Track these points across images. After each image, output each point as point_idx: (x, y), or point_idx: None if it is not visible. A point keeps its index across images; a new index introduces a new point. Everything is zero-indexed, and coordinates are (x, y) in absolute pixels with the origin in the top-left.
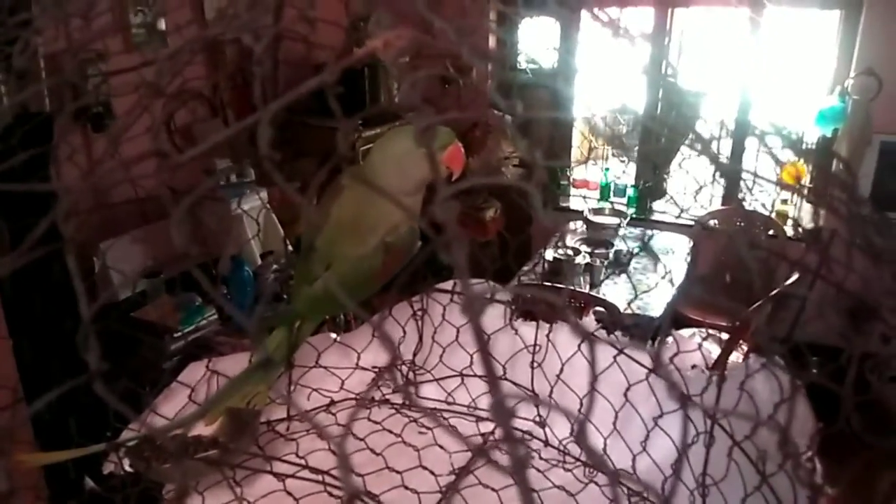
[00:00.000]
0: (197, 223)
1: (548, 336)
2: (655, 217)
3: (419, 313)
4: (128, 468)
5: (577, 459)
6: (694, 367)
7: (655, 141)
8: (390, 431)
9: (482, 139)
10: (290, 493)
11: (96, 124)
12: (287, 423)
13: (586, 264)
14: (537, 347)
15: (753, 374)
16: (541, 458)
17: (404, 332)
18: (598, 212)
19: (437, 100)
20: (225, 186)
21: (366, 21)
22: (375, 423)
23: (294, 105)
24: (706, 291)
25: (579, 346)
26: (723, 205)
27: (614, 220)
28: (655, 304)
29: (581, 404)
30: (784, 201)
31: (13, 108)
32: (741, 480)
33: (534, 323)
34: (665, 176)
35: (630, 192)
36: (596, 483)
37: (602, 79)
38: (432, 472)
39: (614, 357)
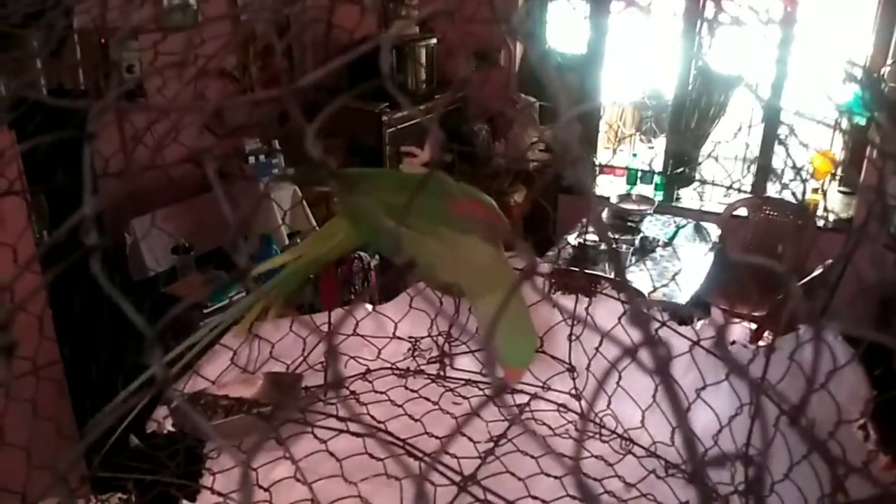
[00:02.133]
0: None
1: (587, 309)
2: (683, 204)
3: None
4: (170, 427)
5: (613, 432)
6: (734, 343)
7: (685, 127)
8: (427, 399)
9: (509, 123)
10: (332, 454)
11: (129, 102)
12: (325, 390)
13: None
14: (576, 321)
15: (803, 345)
16: (576, 429)
17: (441, 302)
18: (624, 198)
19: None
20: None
21: (396, 4)
22: (412, 391)
23: (322, 85)
24: (735, 280)
25: (619, 318)
26: (752, 192)
27: (641, 207)
28: (682, 291)
29: (619, 377)
30: (815, 190)
31: (48, 83)
32: (787, 452)
33: (572, 296)
34: (694, 162)
35: (658, 178)
36: (633, 454)
37: (632, 62)
38: (470, 439)
39: (656, 330)
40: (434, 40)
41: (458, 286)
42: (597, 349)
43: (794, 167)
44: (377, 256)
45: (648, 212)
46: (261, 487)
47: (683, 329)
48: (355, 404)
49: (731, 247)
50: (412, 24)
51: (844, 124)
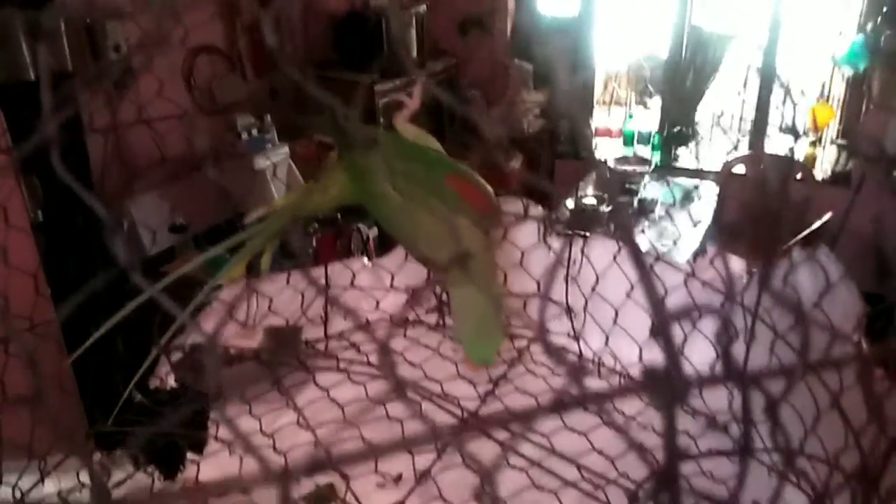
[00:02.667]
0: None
1: (582, 250)
2: (680, 164)
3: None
4: (173, 384)
5: (612, 370)
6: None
7: (680, 86)
8: (427, 346)
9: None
10: (334, 401)
11: (117, 83)
12: (325, 342)
13: (610, 212)
14: (572, 262)
15: (797, 268)
16: (574, 367)
17: None
18: (622, 160)
19: (458, 50)
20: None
21: None
22: (411, 339)
23: (313, 57)
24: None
25: (615, 256)
26: (749, 150)
27: (639, 168)
28: (681, 252)
29: (616, 315)
30: (812, 143)
31: (34, 67)
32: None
33: (567, 238)
34: (690, 122)
35: (654, 139)
36: (630, 388)
37: (625, 24)
38: (471, 382)
39: (650, 265)
40: (424, 7)
41: (438, 263)
42: (593, 289)
43: (791, 125)
44: (376, 228)
45: (646, 173)
46: (265, 434)
47: (676, 266)
48: (354, 355)
49: (729, 205)
50: None
51: (841, 76)
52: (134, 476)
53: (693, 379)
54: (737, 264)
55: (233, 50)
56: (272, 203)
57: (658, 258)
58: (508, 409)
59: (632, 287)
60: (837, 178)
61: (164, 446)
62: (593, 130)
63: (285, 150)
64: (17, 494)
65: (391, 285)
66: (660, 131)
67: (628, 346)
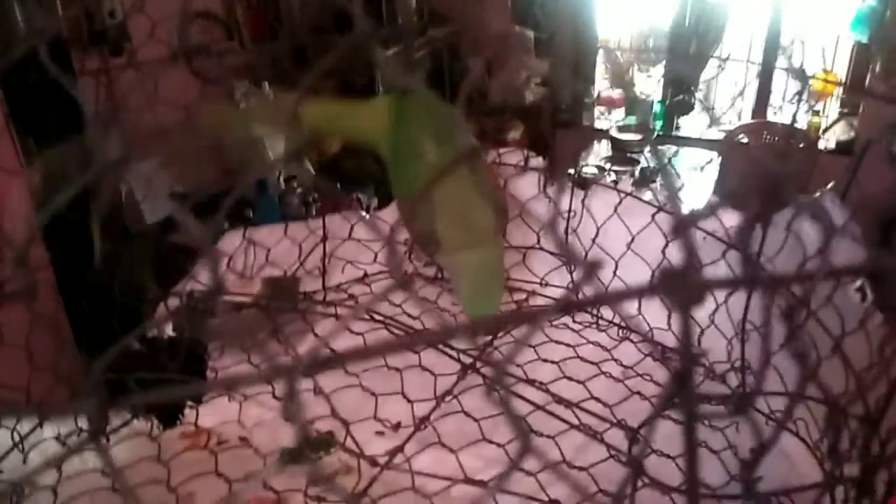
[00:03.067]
0: (220, 149)
1: (583, 202)
2: (683, 133)
3: None
4: (170, 332)
5: (610, 321)
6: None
7: (683, 54)
8: (426, 299)
9: (505, 58)
10: (332, 350)
11: (113, 48)
12: (324, 294)
13: (612, 181)
14: (572, 213)
15: (800, 214)
16: (574, 321)
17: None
18: (624, 129)
19: (458, 17)
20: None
21: None
22: (409, 292)
23: (312, 22)
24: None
25: (615, 208)
26: (753, 118)
27: (640, 137)
28: None
29: (616, 266)
30: (816, 112)
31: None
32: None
33: (569, 189)
34: (693, 90)
35: (657, 107)
36: (631, 340)
37: None
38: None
39: (652, 215)
40: None
41: (433, 235)
42: (593, 240)
43: (797, 94)
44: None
45: (648, 141)
46: (266, 382)
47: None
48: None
49: (731, 174)
50: None
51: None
52: (131, 423)
53: (711, 281)
54: (736, 217)
55: (230, 17)
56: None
57: (661, 208)
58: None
59: (632, 239)
60: (841, 148)
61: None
62: (595, 99)
63: None
64: (16, 438)
65: (390, 237)
66: (662, 100)
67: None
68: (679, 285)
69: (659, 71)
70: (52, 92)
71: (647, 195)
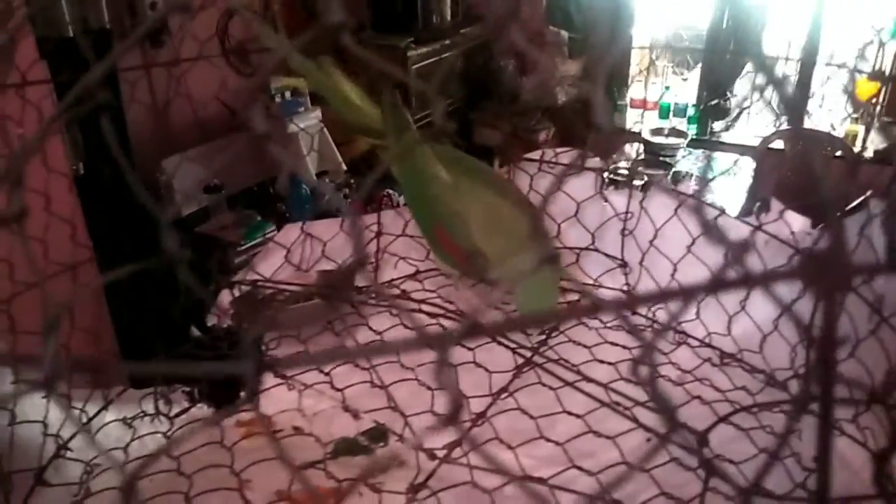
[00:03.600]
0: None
1: (641, 203)
2: (718, 138)
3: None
4: (229, 321)
5: (666, 325)
6: (793, 233)
7: (720, 58)
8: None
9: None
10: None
11: (154, 40)
12: (376, 287)
13: (644, 184)
14: (629, 215)
15: (873, 219)
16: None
17: None
18: (657, 132)
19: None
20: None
21: None
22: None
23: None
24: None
25: (676, 210)
26: (789, 125)
27: (674, 141)
28: None
29: (675, 270)
30: (854, 120)
31: (73, 22)
32: (853, 329)
33: (625, 191)
34: (729, 95)
35: (691, 111)
36: (688, 345)
37: None
38: (524, 331)
39: (714, 218)
40: None
41: (478, 254)
42: (651, 243)
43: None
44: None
45: (682, 146)
46: (321, 372)
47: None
48: (407, 302)
49: (766, 181)
50: None
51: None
52: (189, 411)
53: (859, 266)
54: (800, 220)
55: (267, 12)
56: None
57: (722, 212)
58: (562, 358)
59: (692, 242)
60: (879, 157)
61: (219, 382)
62: (628, 102)
63: (318, 113)
64: (84, 419)
65: None
66: (697, 104)
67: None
68: (824, 270)
69: (694, 74)
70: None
71: (710, 198)
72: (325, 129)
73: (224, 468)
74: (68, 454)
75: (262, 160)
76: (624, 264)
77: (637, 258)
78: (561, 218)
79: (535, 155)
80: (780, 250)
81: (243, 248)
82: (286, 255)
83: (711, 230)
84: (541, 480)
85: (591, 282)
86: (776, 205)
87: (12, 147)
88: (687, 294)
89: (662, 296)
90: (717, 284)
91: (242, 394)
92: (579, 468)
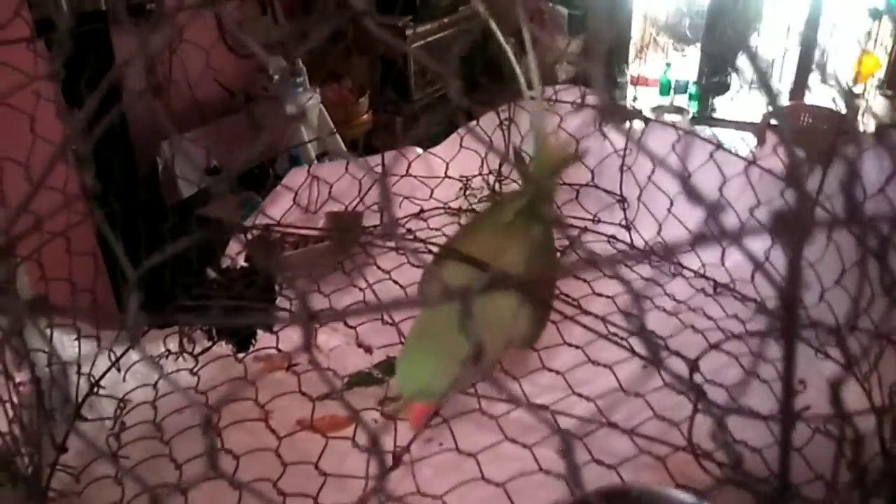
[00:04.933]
0: (254, 123)
1: (638, 140)
2: (719, 115)
3: (506, 122)
4: (243, 263)
5: (662, 258)
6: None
7: (721, 34)
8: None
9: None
10: (396, 282)
11: (137, 13)
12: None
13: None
14: (628, 150)
15: (863, 155)
16: (626, 257)
17: (491, 141)
18: (658, 109)
19: None
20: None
21: None
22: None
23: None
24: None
25: (673, 145)
26: (791, 100)
27: (675, 118)
28: None
29: (671, 204)
30: (857, 95)
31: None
32: (839, 259)
33: (625, 127)
34: (729, 70)
35: (692, 88)
36: (683, 276)
37: None
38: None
39: (711, 153)
40: None
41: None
42: (649, 178)
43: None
44: None
45: (683, 122)
46: (335, 310)
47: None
48: (412, 241)
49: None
50: None
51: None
52: (211, 349)
53: (819, 220)
54: (799, 153)
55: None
56: None
57: (718, 146)
58: (563, 292)
59: (688, 175)
60: (881, 131)
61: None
62: (629, 78)
63: (316, 94)
64: (112, 358)
65: (445, 174)
66: (698, 81)
67: (682, 235)
68: (791, 225)
69: (694, 51)
70: (93, 66)
71: (705, 132)
72: (323, 110)
73: (248, 401)
74: (101, 391)
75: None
76: (622, 199)
77: (636, 193)
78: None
79: (536, 92)
80: (775, 184)
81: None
82: (294, 198)
83: (689, 190)
84: (543, 407)
85: (590, 217)
86: (771, 139)
87: None
88: (668, 251)
89: (645, 254)
90: (697, 240)
91: (259, 331)
92: (578, 394)
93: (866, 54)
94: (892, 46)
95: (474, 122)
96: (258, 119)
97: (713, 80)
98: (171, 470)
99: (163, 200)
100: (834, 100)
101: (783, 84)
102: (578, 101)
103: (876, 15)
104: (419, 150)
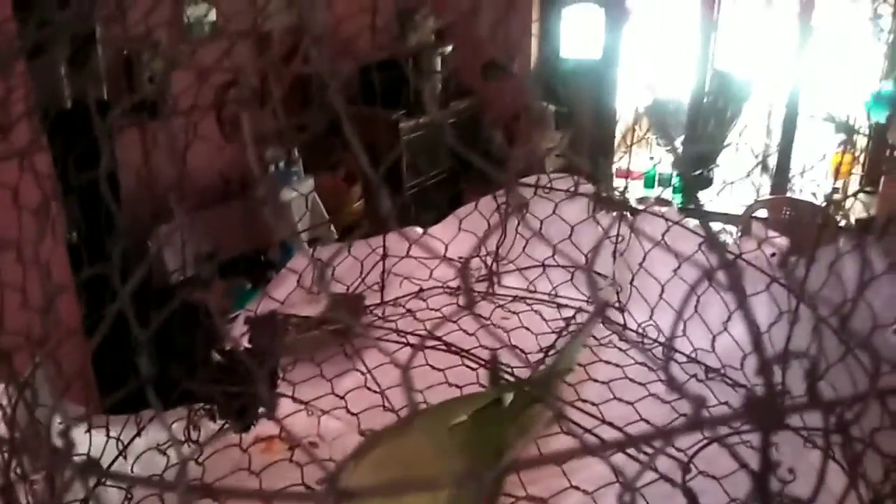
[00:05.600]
0: (249, 212)
1: (631, 227)
2: (703, 207)
3: (503, 206)
4: (247, 345)
5: (655, 341)
6: (774, 255)
7: (703, 129)
8: (479, 315)
9: (526, 130)
10: (397, 366)
11: (152, 112)
12: (383, 308)
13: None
14: (620, 238)
15: (843, 256)
16: (621, 339)
17: (489, 224)
18: (643, 200)
19: (479, 90)
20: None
21: (412, 15)
22: (463, 307)
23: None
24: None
25: (663, 235)
26: (772, 194)
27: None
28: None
29: (662, 290)
30: (835, 190)
31: (73, 93)
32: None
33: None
34: (712, 165)
35: (676, 181)
36: (675, 361)
37: (647, 66)
38: (522, 350)
39: (699, 245)
40: (449, 48)
41: None
42: (640, 265)
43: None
44: None
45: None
46: (337, 396)
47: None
48: (412, 321)
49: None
50: (429, 34)
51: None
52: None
53: (793, 405)
54: (780, 243)
55: (263, 86)
56: None
57: (707, 237)
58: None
59: (678, 265)
60: (861, 226)
61: (241, 405)
62: (614, 172)
63: (310, 182)
64: (119, 447)
65: (444, 255)
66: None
67: (673, 319)
68: (764, 411)
69: (678, 145)
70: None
71: (692, 223)
72: (316, 198)
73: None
74: (108, 482)
75: (254, 228)
76: (615, 283)
77: (628, 278)
78: (557, 239)
79: (531, 180)
80: (760, 277)
81: (233, 316)
82: (298, 280)
83: (671, 383)
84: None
85: (584, 299)
86: (758, 231)
87: None
88: (664, 434)
89: (633, 441)
90: (670, 432)
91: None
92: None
93: (842, 153)
94: (867, 145)
95: (472, 205)
96: (253, 207)
97: (696, 173)
98: None
99: (150, 284)
100: (814, 194)
101: (763, 179)
102: (572, 188)
103: (841, 129)
104: (419, 230)
